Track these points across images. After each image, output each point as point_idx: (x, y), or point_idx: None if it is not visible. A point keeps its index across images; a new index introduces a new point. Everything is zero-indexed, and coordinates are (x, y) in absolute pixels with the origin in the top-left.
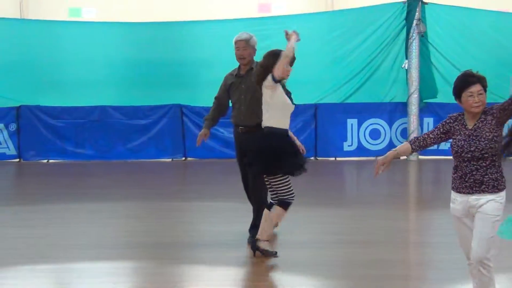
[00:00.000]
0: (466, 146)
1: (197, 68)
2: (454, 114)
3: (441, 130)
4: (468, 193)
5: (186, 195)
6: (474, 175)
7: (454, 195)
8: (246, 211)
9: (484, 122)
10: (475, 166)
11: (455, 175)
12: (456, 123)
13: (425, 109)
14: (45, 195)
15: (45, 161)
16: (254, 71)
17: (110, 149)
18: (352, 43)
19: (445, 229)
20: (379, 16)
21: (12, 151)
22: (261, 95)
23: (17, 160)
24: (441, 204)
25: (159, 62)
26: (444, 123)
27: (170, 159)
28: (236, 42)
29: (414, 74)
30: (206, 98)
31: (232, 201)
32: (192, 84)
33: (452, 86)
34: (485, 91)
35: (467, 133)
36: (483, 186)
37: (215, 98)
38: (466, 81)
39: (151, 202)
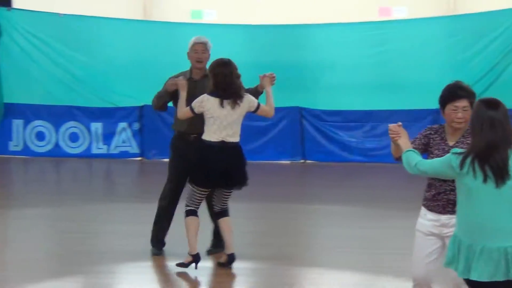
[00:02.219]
0: None
1: (317, 71)
2: (435, 126)
3: (422, 141)
4: (440, 212)
5: (304, 197)
6: (448, 195)
7: (424, 211)
8: (363, 216)
9: (464, 143)
10: (450, 187)
11: (428, 193)
12: (436, 135)
13: None
14: None
15: (166, 160)
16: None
17: None
18: (474, 48)
19: None
20: (503, 21)
21: (135, 149)
22: None
23: (140, 158)
24: None
25: (278, 64)
26: (424, 134)
27: (289, 161)
28: (195, 44)
29: None
30: (325, 101)
31: (349, 205)
32: (312, 87)
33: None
34: (471, 107)
35: (446, 149)
36: (456, 207)
37: (159, 97)
38: (454, 93)
39: (269, 204)
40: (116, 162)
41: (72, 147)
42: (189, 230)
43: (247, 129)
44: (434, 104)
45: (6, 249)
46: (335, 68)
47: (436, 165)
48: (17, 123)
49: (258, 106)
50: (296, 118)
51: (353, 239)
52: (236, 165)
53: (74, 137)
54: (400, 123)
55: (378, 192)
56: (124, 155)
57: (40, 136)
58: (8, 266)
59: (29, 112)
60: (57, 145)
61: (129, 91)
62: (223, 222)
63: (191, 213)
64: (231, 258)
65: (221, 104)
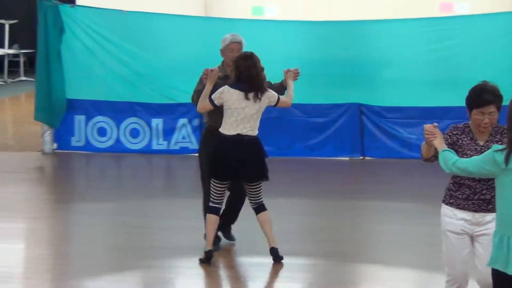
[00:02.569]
0: None
1: (376, 67)
2: (460, 126)
3: (448, 141)
4: (476, 211)
5: (363, 194)
6: (484, 194)
7: (452, 211)
8: (422, 212)
9: (493, 142)
10: (485, 186)
11: (458, 193)
12: (463, 135)
13: None
14: None
15: None
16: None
17: (289, 146)
18: None
19: None
20: None
21: (195, 145)
22: None
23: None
24: None
25: (338, 60)
26: (450, 134)
27: (347, 158)
28: (231, 43)
29: None
30: (385, 97)
31: (408, 201)
32: (371, 83)
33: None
34: (498, 110)
35: (478, 149)
36: (490, 205)
37: (198, 91)
38: (481, 98)
39: (327, 200)
40: (176, 158)
41: (133, 143)
42: (207, 227)
43: (305, 126)
44: None
45: (67, 243)
46: (395, 64)
47: (477, 163)
48: (79, 119)
49: (278, 100)
50: (356, 114)
51: (411, 235)
52: (251, 159)
53: (134, 133)
54: (435, 124)
55: (437, 189)
56: (184, 151)
57: (101, 131)
58: (69, 260)
59: (91, 108)
60: (118, 140)
61: (190, 88)
62: (260, 216)
63: (211, 210)
64: (274, 253)
65: (246, 97)
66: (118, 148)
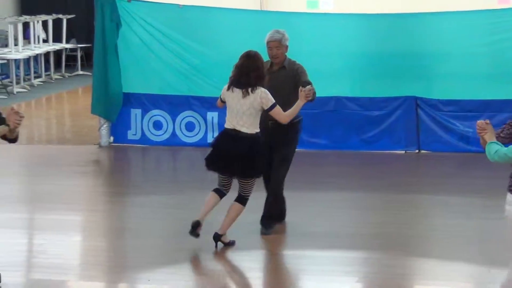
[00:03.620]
0: None
1: (433, 60)
2: None
3: (505, 132)
4: None
5: (419, 188)
6: None
7: (510, 197)
8: (480, 206)
9: None
10: None
11: None
12: None
13: None
14: None
15: None
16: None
17: (344, 139)
18: None
19: None
20: None
21: None
22: (291, 92)
23: None
24: None
25: (394, 53)
26: (509, 125)
27: (403, 151)
28: (268, 43)
29: None
30: (442, 90)
31: (466, 195)
32: (427, 76)
33: None
34: None
35: None
36: None
37: None
38: None
39: (383, 194)
40: None
41: (188, 136)
42: (206, 201)
43: (361, 119)
44: None
45: (123, 235)
46: (452, 57)
47: None
48: (136, 113)
49: (273, 107)
50: (412, 107)
51: (468, 230)
52: (241, 156)
53: (190, 126)
54: (487, 121)
55: (496, 183)
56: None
57: (157, 125)
58: (125, 252)
59: (147, 102)
60: (173, 134)
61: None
62: (233, 204)
63: (215, 189)
64: (214, 237)
65: (238, 93)
66: (173, 142)
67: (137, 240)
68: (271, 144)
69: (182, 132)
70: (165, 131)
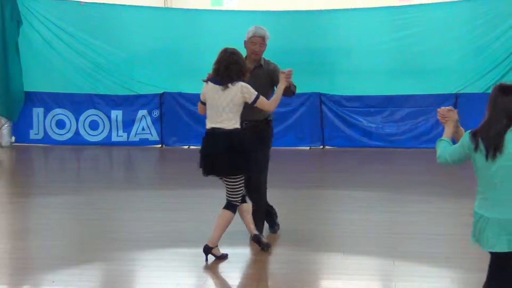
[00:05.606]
0: None
1: (336, 57)
2: None
3: None
4: None
5: (323, 183)
6: None
7: None
8: (382, 200)
9: None
10: None
11: None
12: None
13: None
14: (186, 180)
15: (186, 147)
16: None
17: None
18: (496, 31)
19: None
20: None
21: (155, 137)
22: (267, 90)
23: (160, 145)
24: None
25: (298, 50)
26: None
27: (308, 147)
28: (253, 37)
29: None
30: (345, 86)
31: (369, 190)
32: (331, 72)
33: None
34: None
35: None
36: None
37: None
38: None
39: (289, 190)
40: (136, 149)
41: (92, 135)
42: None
43: None
44: (454, 88)
45: (26, 237)
46: (355, 54)
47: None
48: (38, 111)
49: (257, 99)
50: (316, 103)
51: (371, 223)
52: (222, 153)
53: (94, 125)
54: (451, 107)
55: (397, 177)
56: (144, 142)
57: (60, 124)
58: (29, 254)
59: (49, 100)
60: (77, 133)
61: (150, 79)
62: (220, 214)
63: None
64: (204, 249)
65: (219, 89)
66: (77, 141)
67: (40, 241)
68: None
69: (85, 131)
70: (69, 130)
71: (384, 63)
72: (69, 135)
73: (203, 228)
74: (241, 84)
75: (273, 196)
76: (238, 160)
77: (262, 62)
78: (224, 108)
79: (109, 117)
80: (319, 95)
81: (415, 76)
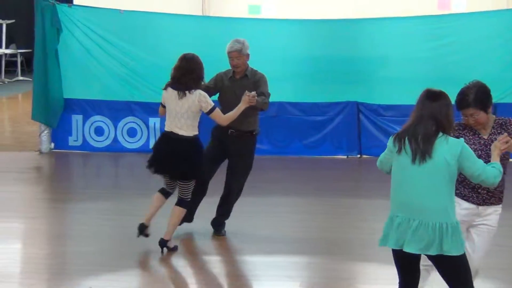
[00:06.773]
0: (483, 156)
1: (373, 66)
2: (462, 122)
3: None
4: (478, 204)
5: (361, 192)
6: (488, 187)
7: (458, 200)
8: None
9: (499, 132)
10: None
11: (464, 184)
12: (466, 131)
13: None
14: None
15: None
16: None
17: (286, 144)
18: None
19: None
20: None
21: None
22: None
23: None
24: None
25: (336, 59)
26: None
27: (345, 156)
28: (229, 53)
29: None
30: (382, 95)
31: None
32: (368, 81)
33: None
34: (484, 109)
35: (482, 142)
36: (493, 198)
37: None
38: (459, 102)
39: (325, 199)
40: None
41: (130, 142)
42: (152, 202)
43: (303, 124)
44: (494, 98)
45: (64, 242)
46: (392, 63)
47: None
48: (77, 118)
49: (212, 110)
50: (353, 112)
51: None
52: (177, 158)
53: (132, 132)
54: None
55: None
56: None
57: (98, 131)
58: (66, 259)
59: (88, 108)
60: (115, 140)
61: None
62: (173, 210)
63: (160, 189)
64: (162, 243)
65: (176, 95)
66: (115, 148)
67: (79, 247)
68: (230, 152)
69: (124, 138)
70: (107, 137)
71: (421, 72)
72: (108, 142)
73: (241, 235)
74: (199, 92)
75: (308, 204)
76: (194, 166)
77: (248, 73)
78: (183, 115)
79: (147, 125)
80: (356, 104)
81: (452, 85)
